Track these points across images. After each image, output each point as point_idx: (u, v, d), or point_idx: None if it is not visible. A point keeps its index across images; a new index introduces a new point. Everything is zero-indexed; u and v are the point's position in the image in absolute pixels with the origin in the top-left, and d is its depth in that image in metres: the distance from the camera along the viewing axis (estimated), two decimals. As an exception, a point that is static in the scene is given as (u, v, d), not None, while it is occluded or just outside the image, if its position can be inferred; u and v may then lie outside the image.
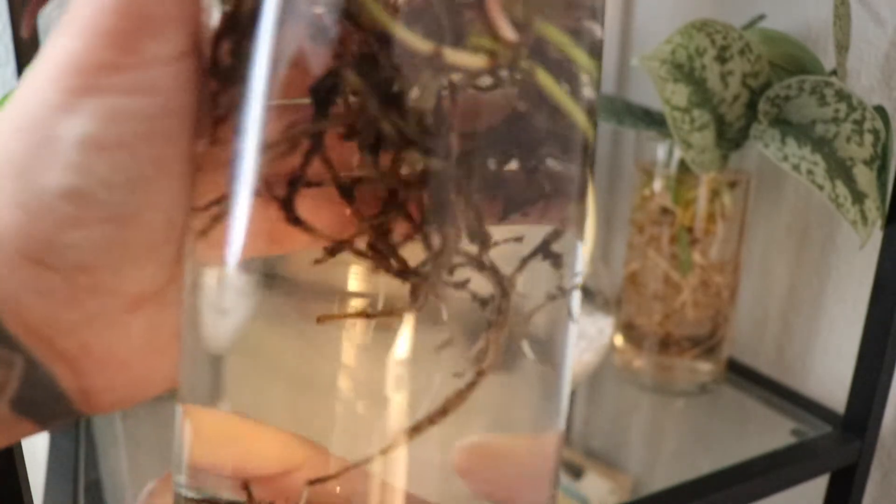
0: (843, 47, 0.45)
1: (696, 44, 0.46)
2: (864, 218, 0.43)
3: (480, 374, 0.14)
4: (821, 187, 0.43)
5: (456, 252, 0.14)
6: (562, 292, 0.16)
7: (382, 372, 0.15)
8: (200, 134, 0.15)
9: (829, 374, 0.58)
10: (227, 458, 0.15)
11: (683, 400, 0.57)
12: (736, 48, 0.46)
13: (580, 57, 0.14)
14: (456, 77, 0.13)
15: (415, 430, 0.14)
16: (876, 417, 0.49)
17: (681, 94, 0.46)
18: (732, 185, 0.54)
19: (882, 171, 0.44)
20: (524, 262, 0.15)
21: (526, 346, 0.15)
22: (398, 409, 0.15)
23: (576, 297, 0.16)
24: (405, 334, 0.14)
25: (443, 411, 0.14)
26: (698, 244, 0.54)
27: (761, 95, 0.47)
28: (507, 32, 0.13)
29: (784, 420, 0.54)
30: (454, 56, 0.13)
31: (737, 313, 0.59)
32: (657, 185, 0.54)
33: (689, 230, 0.54)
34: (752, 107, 0.48)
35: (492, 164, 0.14)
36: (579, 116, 0.15)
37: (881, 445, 0.54)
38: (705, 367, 0.57)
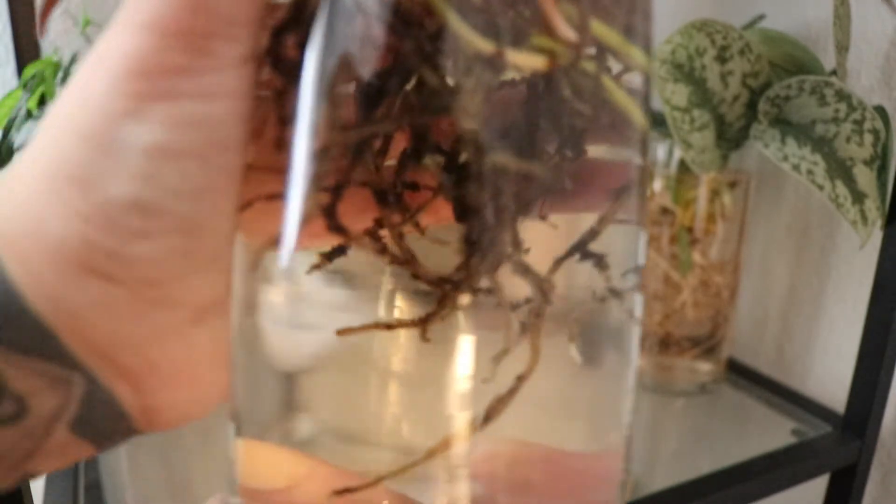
0: (843, 47, 0.45)
1: (696, 44, 0.46)
2: (864, 218, 0.43)
3: (520, 379, 0.14)
4: (821, 187, 0.43)
5: (496, 255, 0.13)
6: (613, 293, 0.15)
7: (429, 380, 0.14)
8: (257, 138, 0.14)
9: (829, 374, 0.58)
10: (280, 487, 0.15)
11: (683, 400, 0.57)
12: (736, 48, 0.46)
13: (636, 55, 0.14)
14: (510, 76, 0.13)
15: (457, 436, 0.14)
16: (876, 417, 0.49)
17: (681, 94, 0.46)
18: (732, 185, 0.54)
19: (882, 171, 0.44)
20: (558, 262, 0.14)
21: (573, 350, 0.15)
22: (446, 420, 0.14)
23: (635, 297, 0.15)
24: (442, 342, 0.14)
25: (486, 418, 0.14)
26: (698, 244, 0.54)
27: (761, 95, 0.47)
28: (567, 32, 0.13)
29: (784, 420, 0.54)
30: (516, 57, 0.12)
31: (737, 313, 0.59)
32: (657, 185, 0.54)
33: (689, 230, 0.54)
34: (752, 107, 0.48)
35: (542, 157, 0.13)
36: (636, 113, 0.14)
37: (881, 445, 0.54)
38: (705, 367, 0.57)
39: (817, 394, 0.58)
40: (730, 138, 0.50)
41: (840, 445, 0.50)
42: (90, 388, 0.14)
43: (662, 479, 0.45)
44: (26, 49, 0.53)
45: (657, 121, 0.54)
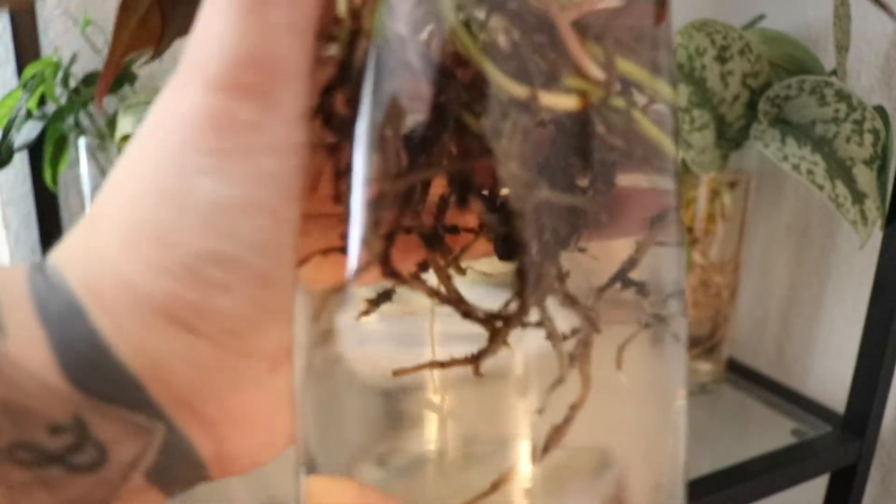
0: (843, 47, 0.45)
1: (696, 44, 0.46)
2: (864, 218, 0.43)
3: (574, 408, 0.14)
4: (821, 187, 0.43)
5: (543, 288, 0.14)
6: (658, 319, 0.15)
7: (480, 414, 0.15)
8: (312, 192, 0.15)
9: (829, 374, 0.58)
10: None
11: (683, 400, 0.57)
12: (736, 48, 0.46)
13: (662, 88, 0.14)
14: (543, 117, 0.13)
15: (517, 468, 0.14)
16: (876, 417, 0.49)
17: (681, 94, 0.46)
18: (732, 185, 0.54)
19: (882, 171, 0.44)
20: (601, 291, 0.15)
21: (622, 377, 0.15)
22: (506, 452, 0.15)
23: (680, 322, 0.16)
24: (495, 376, 0.14)
25: (545, 448, 0.14)
26: (698, 244, 0.54)
27: (761, 95, 0.47)
28: (596, 72, 0.13)
29: (784, 420, 0.54)
30: (549, 99, 0.13)
31: (737, 313, 0.59)
32: (657, 185, 0.54)
33: (689, 230, 0.54)
34: (752, 107, 0.48)
35: (577, 191, 0.14)
36: (667, 145, 0.15)
37: (881, 445, 0.54)
38: (705, 367, 0.58)
39: (817, 394, 0.58)
40: (730, 138, 0.50)
41: (840, 445, 0.50)
42: (169, 438, 0.15)
43: None
44: (26, 49, 0.53)
45: (657, 121, 0.54)
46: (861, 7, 0.50)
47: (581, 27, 0.13)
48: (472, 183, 0.13)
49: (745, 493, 0.46)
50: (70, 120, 0.52)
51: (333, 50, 0.14)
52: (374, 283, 0.15)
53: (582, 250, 0.14)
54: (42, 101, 0.52)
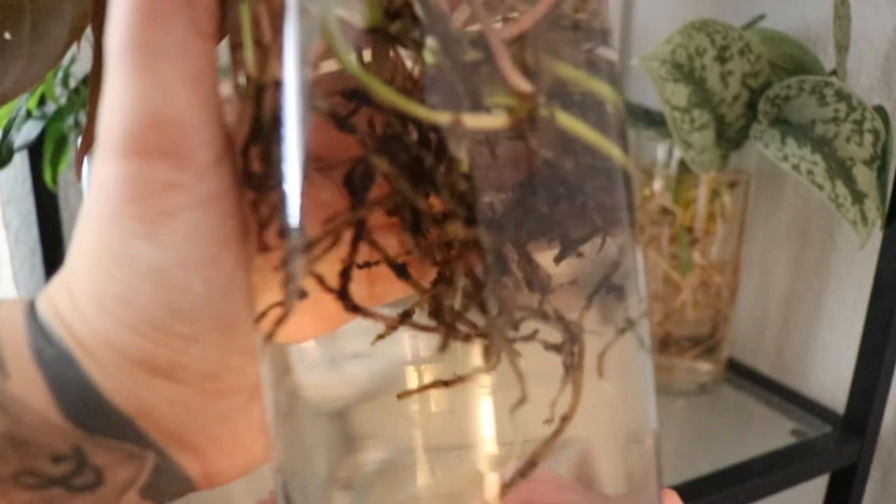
0: (843, 47, 0.45)
1: (696, 44, 0.46)
2: (864, 218, 0.44)
3: (565, 419, 0.14)
4: (821, 187, 0.43)
5: (517, 307, 0.14)
6: (630, 323, 0.15)
7: (469, 427, 0.15)
8: (247, 242, 0.15)
9: (829, 374, 0.58)
10: None
11: (683, 400, 0.57)
12: (736, 48, 0.46)
13: (601, 88, 0.14)
14: (481, 137, 0.13)
15: (507, 485, 0.15)
16: (876, 417, 0.49)
17: (681, 94, 0.46)
18: (732, 185, 0.54)
19: (882, 171, 0.44)
20: (589, 300, 0.15)
21: (606, 386, 0.15)
22: (489, 463, 0.15)
23: (645, 326, 0.16)
24: (482, 393, 0.15)
25: (532, 463, 0.14)
26: (698, 244, 0.54)
27: (761, 95, 0.47)
28: (522, 84, 0.13)
29: (784, 420, 0.54)
30: (474, 121, 0.13)
31: (737, 313, 0.59)
32: (657, 185, 0.54)
33: (689, 230, 0.54)
34: (752, 107, 0.48)
35: (541, 209, 0.14)
36: (611, 148, 0.14)
37: (881, 445, 0.54)
38: (705, 367, 0.58)
39: (817, 394, 0.58)
40: (730, 138, 0.50)
41: (840, 445, 0.50)
42: (160, 462, 0.16)
43: (662, 478, 0.45)
44: (26, 49, 0.53)
45: (657, 121, 0.54)
46: (861, 7, 0.50)
47: (515, 40, 0.13)
48: (422, 216, 0.13)
49: (745, 493, 0.46)
50: (70, 120, 0.52)
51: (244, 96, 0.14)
52: (331, 320, 0.15)
53: (557, 261, 0.14)
54: (42, 101, 0.52)
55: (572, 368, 0.14)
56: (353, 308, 0.14)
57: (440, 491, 0.16)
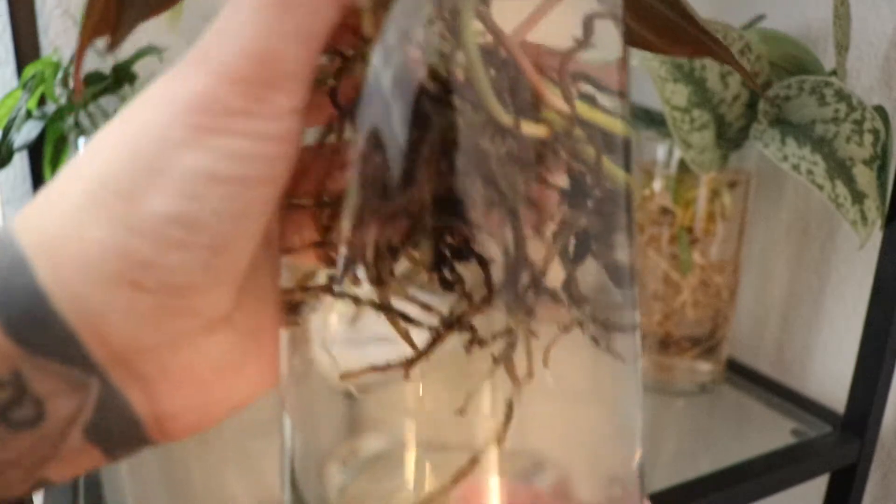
0: (843, 47, 0.45)
1: (696, 44, 0.46)
2: (864, 218, 0.43)
3: (510, 406, 0.15)
4: (821, 187, 0.43)
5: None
6: (605, 326, 0.16)
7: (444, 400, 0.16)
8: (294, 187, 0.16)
9: (829, 374, 0.58)
10: None
11: (683, 400, 0.57)
12: (736, 48, 0.46)
13: (616, 127, 0.16)
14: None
15: (453, 481, 0.15)
16: (876, 417, 0.49)
17: (681, 94, 0.46)
18: (732, 185, 0.54)
19: (882, 171, 0.44)
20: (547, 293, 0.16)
21: (549, 380, 0.16)
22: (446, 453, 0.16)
23: (636, 340, 0.17)
24: (483, 399, 0.16)
25: (474, 461, 0.15)
26: (698, 244, 0.54)
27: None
28: (562, 106, 0.15)
29: (784, 420, 0.54)
30: (528, 127, 0.15)
31: (737, 313, 0.59)
32: (657, 185, 0.54)
33: (689, 230, 0.54)
34: (752, 107, 0.48)
35: (562, 212, 0.15)
36: (620, 173, 0.16)
37: (881, 445, 0.54)
38: (705, 367, 0.58)
39: (817, 394, 0.58)
40: (730, 138, 0.50)
41: (840, 445, 0.50)
42: (105, 393, 0.15)
43: (662, 479, 0.45)
44: (26, 49, 0.53)
45: (657, 121, 0.54)
46: (861, 7, 0.50)
47: (539, 67, 0.15)
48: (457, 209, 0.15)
49: (745, 493, 0.46)
50: (70, 120, 0.52)
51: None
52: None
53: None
54: (42, 101, 0.52)
55: (508, 358, 0.15)
56: (380, 281, 0.15)
57: (420, 491, 0.16)
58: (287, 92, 0.15)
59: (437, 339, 0.15)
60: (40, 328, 0.14)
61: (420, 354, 0.15)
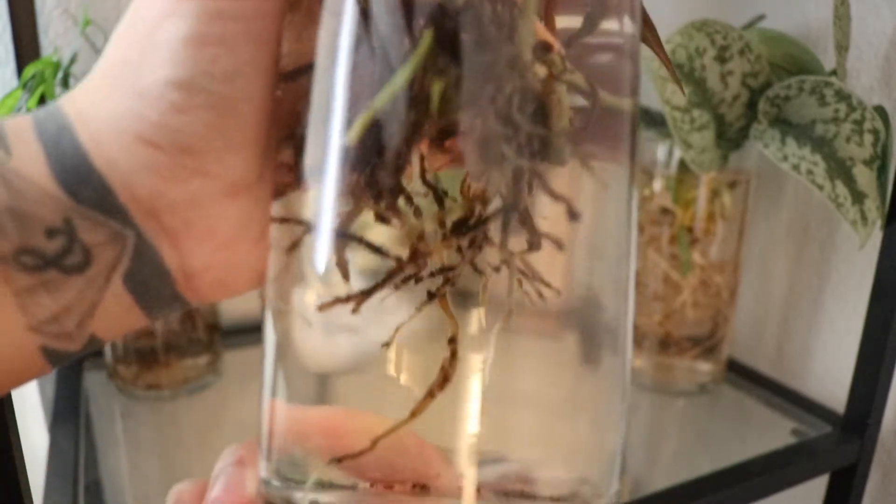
0: (843, 47, 0.45)
1: (696, 44, 0.46)
2: (864, 218, 0.44)
3: (452, 341, 0.16)
4: (821, 187, 0.43)
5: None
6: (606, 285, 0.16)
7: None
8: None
9: (829, 374, 0.58)
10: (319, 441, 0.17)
11: (683, 400, 0.57)
12: (736, 48, 0.46)
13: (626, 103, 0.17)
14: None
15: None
16: (876, 417, 0.49)
17: (681, 94, 0.46)
18: (732, 185, 0.54)
19: (882, 171, 0.44)
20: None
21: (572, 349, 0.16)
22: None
23: (619, 332, 0.17)
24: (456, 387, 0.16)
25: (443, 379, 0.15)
26: (698, 244, 0.54)
27: (761, 95, 0.47)
28: (559, 47, 0.15)
29: (784, 420, 0.54)
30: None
31: (737, 313, 0.59)
32: (657, 185, 0.54)
33: (689, 230, 0.54)
34: (752, 107, 0.48)
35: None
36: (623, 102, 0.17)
37: (881, 445, 0.54)
38: (705, 367, 0.58)
39: (817, 394, 0.58)
40: (730, 138, 0.50)
41: (840, 445, 0.50)
42: (140, 244, 0.18)
43: (662, 479, 0.45)
44: (26, 49, 0.53)
45: (657, 121, 0.54)
46: (861, 7, 0.50)
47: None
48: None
49: (745, 493, 0.46)
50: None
51: None
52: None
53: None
54: (42, 101, 0.52)
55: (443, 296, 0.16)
56: (383, 219, 0.16)
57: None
58: None
59: (397, 270, 0.16)
60: (85, 182, 0.17)
61: (378, 286, 0.16)
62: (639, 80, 0.17)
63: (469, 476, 0.15)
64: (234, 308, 0.62)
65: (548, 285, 0.15)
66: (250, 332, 0.62)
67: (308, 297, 0.16)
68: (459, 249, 0.15)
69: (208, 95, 0.17)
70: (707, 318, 0.56)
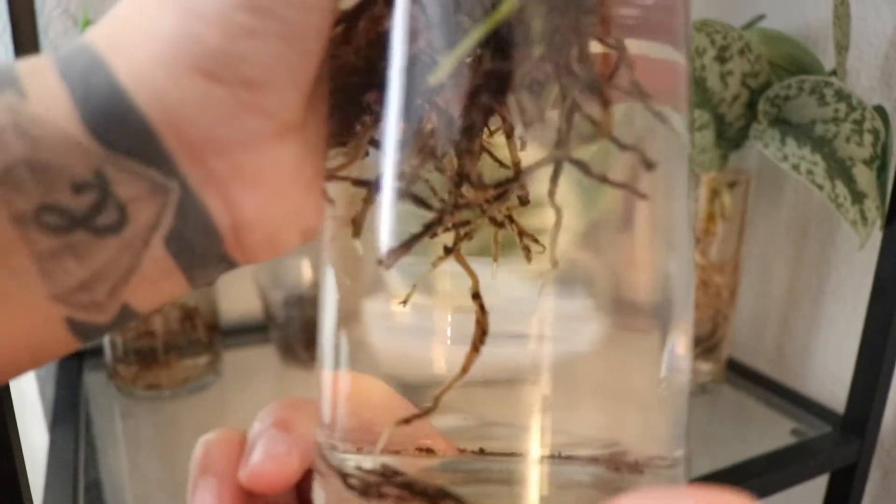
0: (843, 47, 0.45)
1: (695, 44, 0.46)
2: (864, 218, 0.44)
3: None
4: (821, 187, 0.43)
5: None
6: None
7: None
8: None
9: (829, 374, 0.58)
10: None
11: (683, 400, 0.57)
12: (736, 48, 0.46)
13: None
14: None
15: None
16: (876, 417, 0.49)
17: (681, 94, 0.46)
18: (732, 185, 0.54)
19: (882, 170, 0.44)
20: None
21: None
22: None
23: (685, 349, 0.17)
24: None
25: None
26: (698, 244, 0.54)
27: (761, 95, 0.47)
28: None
29: (784, 420, 0.54)
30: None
31: (737, 313, 0.59)
32: (657, 185, 0.54)
33: (689, 230, 0.54)
34: (752, 107, 0.48)
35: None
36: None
37: (881, 445, 0.54)
38: (705, 367, 0.58)
39: (817, 394, 0.58)
40: (730, 138, 0.50)
41: (840, 445, 0.50)
42: (185, 199, 0.15)
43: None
44: (26, 49, 0.53)
45: (657, 121, 0.54)
46: (861, 7, 0.50)
47: None
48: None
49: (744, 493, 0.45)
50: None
51: None
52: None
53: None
54: (42, 101, 0.52)
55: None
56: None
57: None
58: None
59: (438, 220, 0.15)
60: (121, 125, 0.14)
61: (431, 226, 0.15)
62: (691, 36, 0.17)
63: (536, 438, 0.15)
64: (234, 308, 0.62)
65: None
66: (250, 332, 0.62)
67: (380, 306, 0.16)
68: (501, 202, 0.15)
69: (282, 24, 0.14)
70: (707, 317, 0.56)
